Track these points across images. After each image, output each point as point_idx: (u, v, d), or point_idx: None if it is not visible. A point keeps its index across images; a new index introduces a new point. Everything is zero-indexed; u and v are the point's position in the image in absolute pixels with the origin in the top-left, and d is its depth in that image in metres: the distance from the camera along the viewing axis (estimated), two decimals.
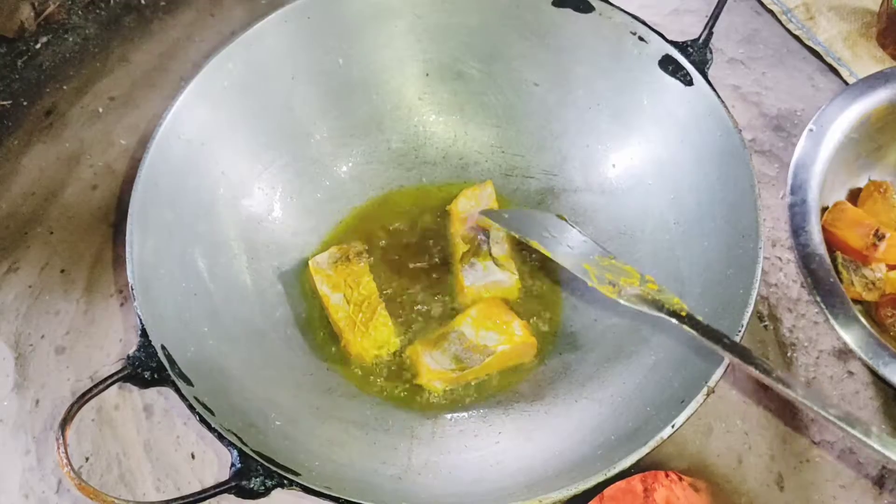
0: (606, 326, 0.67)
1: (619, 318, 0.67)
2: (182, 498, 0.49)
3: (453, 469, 0.60)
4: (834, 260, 0.68)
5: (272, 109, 0.71)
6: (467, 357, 0.64)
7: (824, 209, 0.70)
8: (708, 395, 0.53)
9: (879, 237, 0.67)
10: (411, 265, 0.71)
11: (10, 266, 0.76)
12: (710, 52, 0.66)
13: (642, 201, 0.69)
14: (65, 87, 0.87)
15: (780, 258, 0.72)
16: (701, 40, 0.66)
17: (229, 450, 0.51)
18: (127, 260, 0.58)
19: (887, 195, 0.71)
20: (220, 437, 0.51)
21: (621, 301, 0.59)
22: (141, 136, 0.83)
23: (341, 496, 0.50)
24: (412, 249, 0.71)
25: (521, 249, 0.71)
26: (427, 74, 0.76)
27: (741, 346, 0.53)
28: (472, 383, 0.65)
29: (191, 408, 0.53)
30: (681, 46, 0.66)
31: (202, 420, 0.52)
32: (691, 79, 0.65)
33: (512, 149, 0.76)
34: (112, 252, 0.76)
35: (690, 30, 0.67)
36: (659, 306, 0.57)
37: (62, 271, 0.75)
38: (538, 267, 0.71)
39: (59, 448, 0.49)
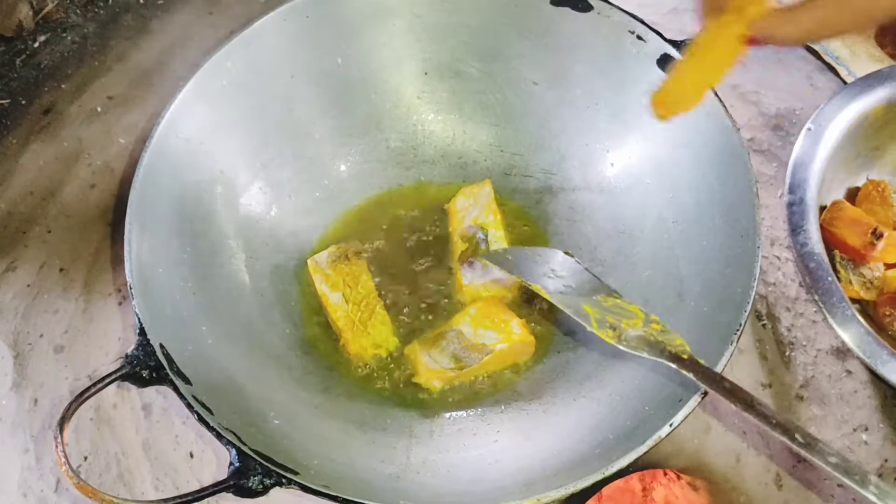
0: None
1: None
2: (180, 497, 0.49)
3: (452, 468, 0.60)
4: (832, 259, 0.68)
5: (271, 108, 0.71)
6: (466, 356, 0.64)
7: (822, 208, 0.70)
8: (706, 394, 0.53)
9: (878, 236, 0.67)
10: (410, 264, 0.70)
11: (9, 265, 0.76)
12: None
13: (641, 200, 0.69)
14: (63, 86, 0.87)
15: (778, 257, 0.73)
16: None
17: (228, 449, 0.51)
18: (125, 259, 0.58)
19: (885, 194, 0.71)
20: (219, 436, 0.51)
21: (621, 347, 0.57)
22: (139, 134, 0.83)
23: (340, 495, 0.50)
24: (411, 248, 0.71)
25: (522, 243, 0.71)
26: (426, 73, 0.76)
27: (742, 391, 0.52)
28: (471, 382, 0.65)
29: (189, 407, 0.53)
30: (679, 45, 0.66)
31: (200, 419, 0.52)
32: None
33: (511, 148, 0.76)
34: (110, 251, 0.76)
35: (688, 29, 0.67)
36: (661, 349, 0.56)
37: (61, 270, 0.75)
38: None
39: (57, 447, 0.49)
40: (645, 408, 0.57)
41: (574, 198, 0.73)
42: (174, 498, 0.49)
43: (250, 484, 0.50)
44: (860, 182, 0.74)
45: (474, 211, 0.70)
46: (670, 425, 0.52)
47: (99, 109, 0.85)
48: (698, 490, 0.62)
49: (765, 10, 0.48)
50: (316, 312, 0.69)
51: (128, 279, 0.57)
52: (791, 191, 0.68)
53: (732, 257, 0.59)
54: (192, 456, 0.66)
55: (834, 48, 0.83)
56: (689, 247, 0.64)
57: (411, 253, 0.71)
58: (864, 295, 0.68)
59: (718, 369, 0.53)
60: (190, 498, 0.49)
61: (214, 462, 0.65)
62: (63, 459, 0.49)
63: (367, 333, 0.66)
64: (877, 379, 0.65)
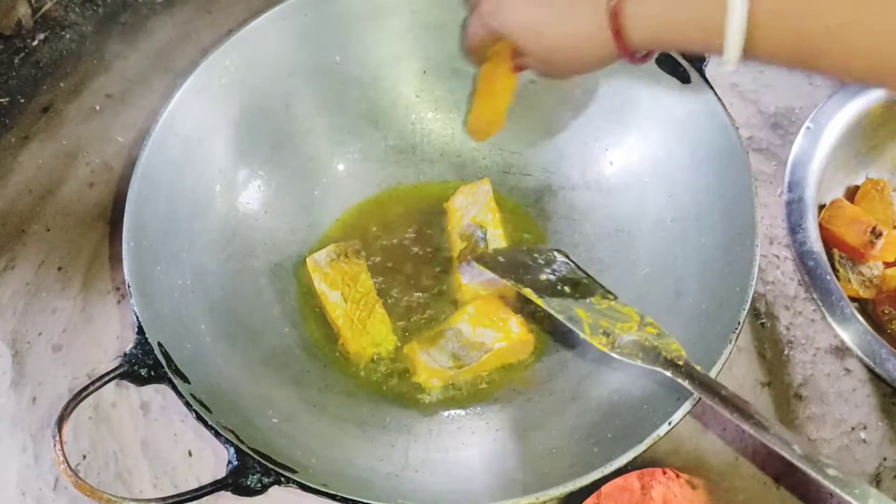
0: None
1: None
2: (179, 495, 0.49)
3: (450, 466, 0.60)
4: (831, 257, 0.68)
5: (269, 107, 0.71)
6: (464, 354, 0.64)
7: (821, 207, 0.70)
8: None
9: (876, 235, 0.67)
10: (408, 263, 0.70)
11: (7, 263, 0.76)
12: None
13: (639, 199, 0.69)
14: (62, 85, 0.87)
15: (777, 256, 0.73)
16: None
17: (226, 447, 0.51)
18: (123, 257, 0.58)
19: (884, 193, 0.71)
20: (217, 435, 0.51)
21: (614, 355, 0.56)
22: (138, 133, 0.83)
23: (338, 493, 0.50)
24: (409, 247, 0.71)
25: (521, 242, 0.71)
26: (424, 72, 0.75)
27: (739, 399, 0.50)
28: (470, 381, 0.65)
29: (188, 405, 0.53)
30: None
31: (199, 417, 0.52)
32: (689, 76, 0.65)
33: (509, 146, 0.76)
34: (109, 249, 0.76)
35: None
36: (655, 354, 0.54)
37: (59, 269, 0.75)
38: None
39: (55, 445, 0.49)
40: (643, 406, 0.57)
41: (573, 196, 0.73)
42: (173, 496, 0.49)
43: (249, 482, 0.50)
44: (859, 181, 0.74)
45: (473, 209, 0.70)
46: (669, 424, 0.52)
47: (97, 108, 0.85)
48: (697, 488, 0.62)
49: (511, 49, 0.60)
50: (315, 311, 0.69)
51: (126, 278, 0.57)
52: (790, 189, 0.68)
53: (731, 256, 0.59)
54: (190, 454, 0.66)
55: None
56: (688, 245, 0.64)
57: (410, 251, 0.71)
58: (862, 293, 0.68)
59: (717, 367, 0.53)
60: (188, 496, 0.49)
61: (213, 460, 0.65)
62: (61, 458, 0.49)
63: (366, 332, 0.66)
64: (875, 377, 0.65)
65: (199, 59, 0.67)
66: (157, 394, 0.68)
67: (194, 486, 0.50)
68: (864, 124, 0.71)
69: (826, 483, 0.46)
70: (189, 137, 0.66)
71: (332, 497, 0.50)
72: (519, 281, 0.62)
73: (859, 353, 0.62)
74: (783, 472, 0.63)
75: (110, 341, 0.71)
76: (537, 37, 0.56)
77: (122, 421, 0.67)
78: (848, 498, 0.46)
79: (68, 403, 0.51)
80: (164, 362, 0.54)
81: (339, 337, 0.66)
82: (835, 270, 0.67)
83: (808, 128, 0.70)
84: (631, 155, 0.70)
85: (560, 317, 0.59)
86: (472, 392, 0.65)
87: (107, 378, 0.53)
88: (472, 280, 0.68)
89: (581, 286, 0.62)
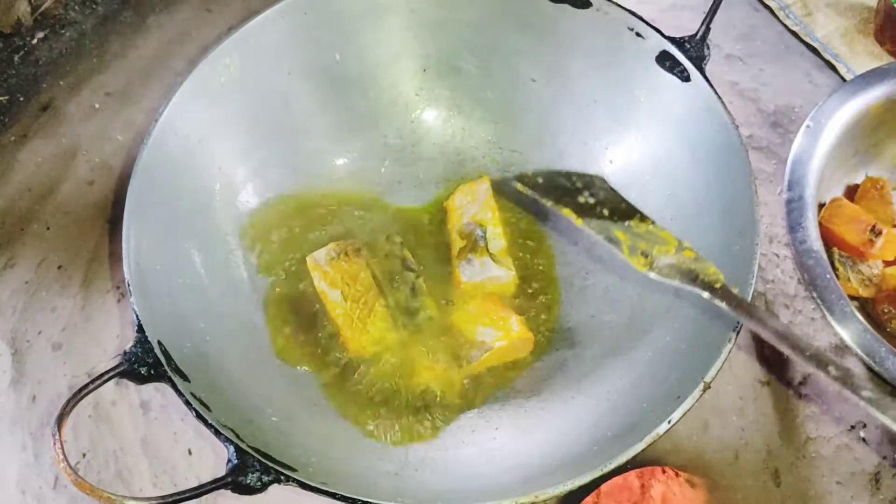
0: (603, 322, 0.67)
1: (616, 314, 0.67)
2: (178, 494, 0.49)
3: (450, 465, 0.60)
4: (831, 256, 0.68)
5: (269, 105, 0.71)
6: (465, 353, 0.64)
7: (821, 205, 0.70)
8: (704, 390, 0.53)
9: (876, 233, 0.67)
10: (408, 261, 0.70)
11: (7, 262, 0.76)
12: (708, 48, 0.66)
13: (639, 197, 0.68)
14: (61, 83, 0.87)
15: (777, 254, 0.73)
16: (698, 36, 0.66)
17: (226, 446, 0.51)
18: (123, 256, 0.58)
19: (884, 191, 0.71)
20: (217, 433, 0.51)
21: (651, 275, 0.56)
22: (138, 131, 0.83)
23: (338, 492, 0.50)
24: (409, 245, 0.71)
25: (521, 243, 0.71)
26: (424, 70, 0.75)
27: (776, 321, 0.50)
28: (469, 379, 0.65)
29: (187, 404, 0.53)
30: (678, 42, 0.66)
31: (199, 416, 0.52)
32: (688, 75, 0.65)
33: (509, 145, 0.76)
34: (109, 248, 0.76)
35: (688, 25, 0.67)
36: (693, 277, 0.55)
37: (59, 267, 0.75)
38: (535, 263, 0.71)
39: (55, 444, 0.49)
40: (643, 405, 0.57)
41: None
42: (172, 495, 0.48)
43: (248, 481, 0.50)
44: (859, 179, 0.74)
45: (472, 208, 0.70)
46: (668, 422, 0.52)
47: (97, 106, 0.85)
48: (696, 487, 0.62)
49: None
50: (314, 310, 0.68)
51: (126, 276, 0.57)
52: (790, 188, 0.68)
53: (731, 254, 0.59)
54: (190, 453, 0.66)
55: (833, 45, 0.83)
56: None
57: (410, 250, 0.71)
58: (862, 292, 0.68)
59: (717, 366, 0.53)
60: (188, 495, 0.49)
61: (213, 459, 0.65)
62: (61, 456, 0.49)
63: (366, 331, 0.66)
64: (875, 376, 0.65)
65: (198, 58, 0.66)
66: (156, 392, 0.68)
67: (194, 484, 0.50)
68: (863, 123, 0.71)
69: (863, 403, 0.47)
70: (189, 136, 0.66)
71: (332, 495, 0.50)
72: (558, 202, 0.62)
73: (859, 351, 0.61)
74: (783, 471, 0.63)
75: (110, 340, 0.71)
76: None
77: (121, 419, 0.67)
78: (884, 418, 0.46)
79: (68, 402, 0.51)
80: (163, 361, 0.54)
81: (340, 336, 0.66)
82: (834, 269, 0.67)
83: (807, 126, 0.69)
84: (631, 154, 0.70)
85: (599, 237, 0.59)
86: (471, 390, 0.65)
87: (106, 377, 0.53)
88: (471, 278, 0.68)
89: (619, 210, 0.62)
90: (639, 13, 0.67)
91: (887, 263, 0.69)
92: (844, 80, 0.81)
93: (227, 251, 0.67)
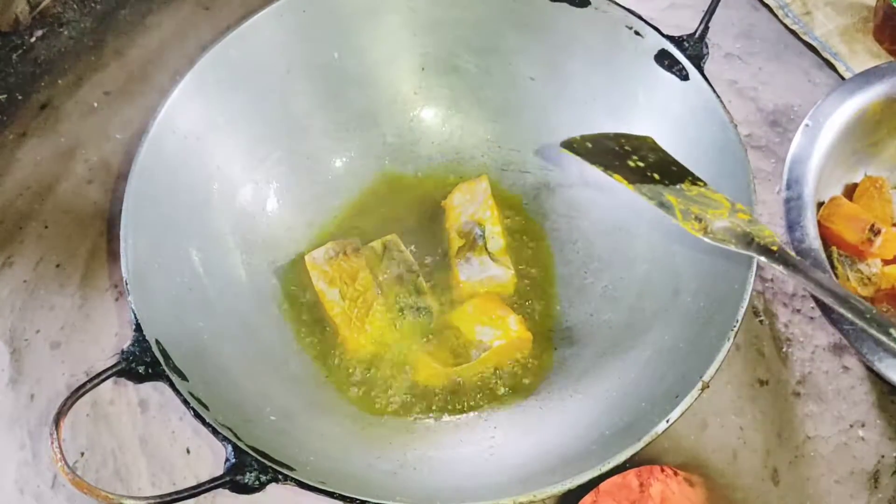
0: (602, 321, 0.67)
1: (615, 313, 0.67)
2: (177, 493, 0.49)
3: (448, 464, 0.60)
4: (829, 255, 0.68)
5: (267, 103, 0.71)
6: (463, 352, 0.64)
7: (820, 204, 0.70)
8: (703, 389, 0.53)
9: (875, 232, 0.67)
10: (407, 260, 0.70)
11: (5, 260, 0.75)
12: (706, 47, 0.66)
13: (638, 196, 0.69)
14: (60, 81, 0.87)
15: None
16: (697, 35, 0.66)
17: (224, 445, 0.51)
18: (121, 255, 0.58)
19: (883, 190, 0.71)
20: (215, 432, 0.51)
21: (706, 239, 0.55)
22: (136, 130, 0.83)
23: (336, 491, 0.50)
24: (408, 244, 0.71)
25: (520, 242, 0.71)
26: (423, 69, 0.75)
27: (836, 285, 0.50)
28: (468, 378, 0.65)
29: (185, 403, 0.52)
30: (677, 41, 0.66)
31: (197, 415, 0.52)
32: (687, 74, 0.65)
33: (508, 143, 0.76)
34: (107, 247, 0.76)
35: (687, 24, 0.67)
36: (748, 240, 0.54)
37: (57, 266, 0.75)
38: (535, 262, 0.71)
39: (52, 443, 0.49)
40: (642, 404, 0.57)
41: (571, 194, 0.73)
42: (170, 494, 0.48)
43: (246, 480, 0.50)
44: (858, 178, 0.74)
45: (471, 207, 0.70)
46: (667, 421, 0.52)
47: (95, 105, 0.85)
48: (695, 486, 0.62)
49: None
50: (313, 309, 0.68)
51: (124, 275, 0.57)
52: (788, 187, 0.68)
53: (730, 253, 0.59)
54: (188, 452, 0.66)
55: (832, 44, 0.83)
56: (686, 242, 0.64)
57: (408, 249, 0.71)
58: (861, 291, 0.68)
59: (715, 365, 0.53)
60: (186, 494, 0.49)
61: (211, 458, 0.65)
62: (59, 455, 0.49)
63: (365, 330, 0.66)
64: (874, 375, 0.65)
65: (196, 56, 0.66)
66: (154, 391, 0.68)
67: (192, 483, 0.50)
68: (862, 122, 0.71)
69: None
70: (187, 135, 0.66)
71: (330, 494, 0.50)
72: (608, 167, 0.61)
73: (858, 350, 0.61)
74: (781, 470, 0.63)
75: (108, 339, 0.71)
76: None
77: (120, 418, 0.67)
78: None
79: (66, 401, 0.51)
80: (161, 360, 0.54)
81: (338, 335, 0.66)
82: (833, 268, 0.67)
83: (806, 125, 0.69)
84: None
85: (651, 202, 0.58)
86: (470, 389, 0.65)
87: (104, 375, 0.53)
88: (470, 277, 0.68)
89: (670, 172, 0.61)
90: (637, 12, 0.67)
91: (886, 262, 0.69)
92: (843, 78, 0.81)
93: (225, 250, 0.67)
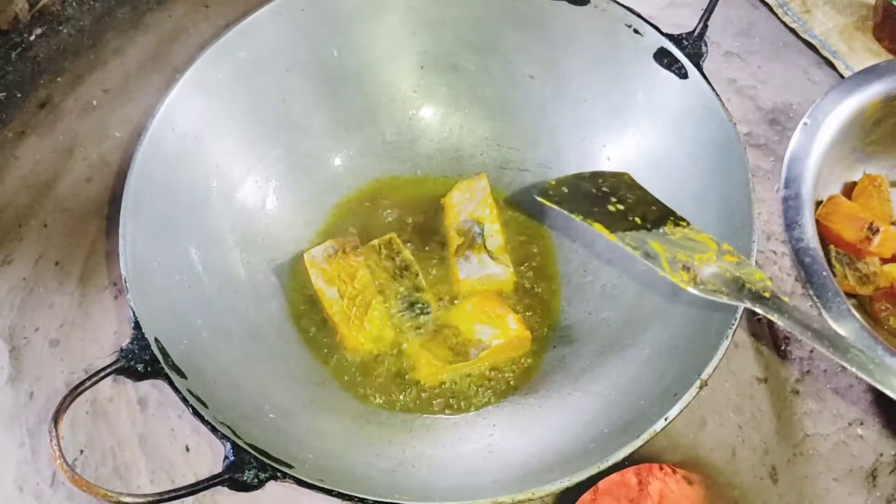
0: (601, 319, 0.67)
1: (613, 311, 0.67)
2: (176, 490, 0.49)
3: (447, 462, 0.60)
4: (828, 254, 0.68)
5: (266, 102, 0.71)
6: (462, 351, 0.64)
7: (819, 203, 0.70)
8: (701, 387, 0.53)
9: (874, 231, 0.67)
10: (406, 259, 0.70)
11: (4, 259, 0.75)
12: (706, 45, 0.66)
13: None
14: (59, 79, 0.87)
15: (774, 252, 0.73)
16: (696, 33, 0.66)
17: (223, 442, 0.51)
18: (120, 253, 0.58)
19: (882, 189, 0.71)
20: (214, 430, 0.51)
21: (696, 292, 0.54)
22: (135, 128, 0.83)
23: (335, 489, 0.50)
24: (406, 243, 0.71)
25: (519, 241, 0.71)
26: (422, 67, 0.75)
27: (833, 332, 0.48)
28: (467, 376, 0.65)
29: (184, 400, 0.52)
30: (676, 39, 0.66)
31: (195, 413, 0.52)
32: (686, 72, 0.65)
33: (507, 142, 0.76)
34: (106, 245, 0.76)
35: (686, 23, 0.67)
36: (739, 286, 0.52)
37: (56, 264, 0.75)
38: (534, 260, 0.71)
39: (51, 440, 0.49)
40: (640, 402, 0.57)
41: None
42: (170, 491, 0.48)
43: (245, 478, 0.50)
44: (857, 177, 0.74)
45: (470, 205, 0.70)
46: (665, 419, 0.52)
47: (95, 103, 0.85)
48: (694, 484, 0.62)
49: None
50: (312, 307, 0.69)
51: (122, 273, 0.57)
52: (787, 185, 0.68)
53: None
54: (187, 450, 0.66)
55: (832, 42, 0.83)
56: None
57: (408, 247, 0.71)
58: (859, 290, 0.68)
59: (714, 363, 0.53)
60: (185, 492, 0.49)
61: (210, 456, 0.65)
62: (58, 453, 0.49)
63: (364, 328, 0.66)
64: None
65: (196, 55, 0.66)
66: (154, 389, 0.68)
67: (191, 481, 0.50)
68: (861, 120, 0.71)
69: None
70: (186, 133, 0.66)
71: (329, 492, 0.50)
72: (588, 215, 0.59)
73: None
74: (780, 468, 0.63)
75: (107, 337, 0.71)
76: None
77: (119, 416, 0.67)
78: None
79: (64, 399, 0.51)
80: (160, 358, 0.54)
81: (337, 333, 0.66)
82: (831, 267, 0.67)
83: (805, 123, 0.69)
84: (628, 151, 0.70)
85: (636, 253, 0.56)
86: (469, 387, 0.65)
87: (103, 373, 0.53)
88: (469, 276, 0.68)
89: (652, 214, 0.59)
90: (636, 10, 0.67)
91: (884, 261, 0.69)
92: (843, 77, 0.81)
93: (224, 248, 0.67)
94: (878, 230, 0.67)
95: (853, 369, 0.48)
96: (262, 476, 0.50)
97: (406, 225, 0.73)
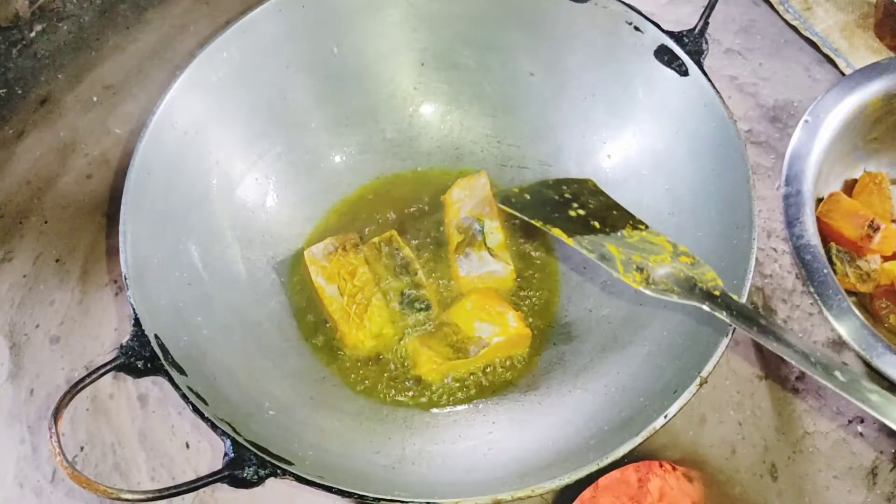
0: (601, 317, 0.67)
1: (613, 308, 0.67)
2: (176, 487, 0.49)
3: (447, 458, 0.60)
4: (828, 251, 0.68)
5: (266, 99, 0.71)
6: (462, 348, 0.64)
7: (819, 200, 0.70)
8: (701, 385, 0.53)
9: (874, 228, 0.67)
10: (406, 256, 0.70)
11: (5, 255, 0.75)
12: (706, 43, 0.65)
13: (637, 192, 0.69)
14: (59, 76, 0.87)
15: (775, 249, 0.73)
16: (697, 30, 0.66)
17: (223, 439, 0.51)
18: (120, 250, 0.58)
19: (882, 186, 0.71)
20: (214, 427, 0.51)
21: (647, 292, 0.55)
22: (136, 125, 0.83)
23: (334, 486, 0.50)
24: (407, 240, 0.71)
25: (519, 238, 0.71)
26: (422, 64, 0.75)
27: (779, 327, 0.49)
28: (467, 374, 0.65)
29: (184, 397, 0.53)
30: (676, 37, 0.66)
31: (195, 409, 0.52)
32: (687, 69, 0.65)
33: (507, 139, 0.76)
34: (106, 242, 0.76)
35: (687, 20, 0.67)
36: (691, 287, 0.53)
37: (57, 261, 0.75)
38: (533, 257, 0.71)
39: (51, 437, 0.49)
40: (640, 399, 0.57)
41: None
42: (169, 488, 0.49)
43: (245, 474, 0.50)
44: (857, 174, 0.74)
45: (470, 202, 0.70)
46: (665, 416, 0.52)
47: (95, 99, 0.85)
48: (693, 481, 0.62)
49: None
50: (312, 304, 0.69)
51: (123, 270, 0.57)
52: (788, 183, 0.68)
53: (728, 249, 0.59)
54: (188, 446, 0.66)
55: (833, 40, 0.83)
56: (685, 238, 0.64)
57: (408, 245, 0.71)
58: (860, 287, 0.68)
59: (714, 360, 0.53)
60: (185, 488, 0.49)
61: (210, 452, 0.65)
62: (58, 450, 0.49)
63: (364, 326, 0.66)
64: (872, 372, 0.65)
65: (196, 51, 0.66)
66: (154, 386, 0.68)
67: (191, 477, 0.50)
68: (862, 118, 0.71)
69: (871, 412, 0.46)
70: (186, 130, 0.66)
71: (329, 489, 0.50)
72: (547, 221, 0.61)
73: (856, 346, 0.61)
74: (780, 465, 0.63)
75: (107, 333, 0.71)
76: None
77: (119, 413, 0.67)
78: (892, 424, 0.45)
79: (64, 395, 0.51)
80: (160, 354, 0.54)
81: (337, 331, 0.66)
82: (832, 264, 0.67)
83: (806, 121, 0.69)
84: (629, 148, 0.70)
85: (591, 256, 0.58)
86: (470, 385, 0.65)
87: (103, 370, 0.53)
88: (469, 273, 0.68)
89: (611, 218, 0.60)
90: (637, 7, 0.67)
91: (885, 258, 0.69)
92: (844, 74, 0.81)
93: (224, 245, 0.67)
94: (878, 228, 0.67)
95: (793, 361, 0.49)
96: (262, 473, 0.50)
97: (406, 222, 0.73)
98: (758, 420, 0.65)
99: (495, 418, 0.63)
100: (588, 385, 0.62)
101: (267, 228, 0.70)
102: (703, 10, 0.66)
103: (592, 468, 0.51)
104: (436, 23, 0.73)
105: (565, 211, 0.61)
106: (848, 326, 0.62)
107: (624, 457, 0.51)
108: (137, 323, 0.55)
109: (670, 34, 0.66)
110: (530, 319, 0.68)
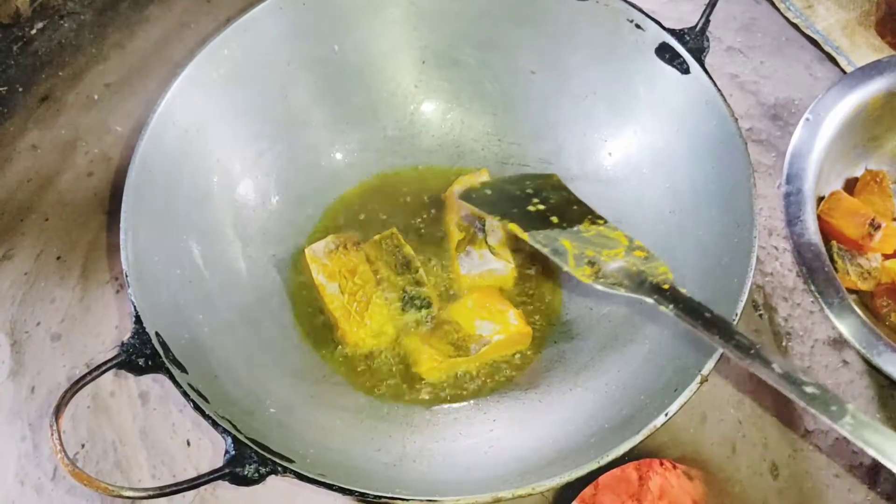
0: (602, 315, 0.67)
1: (614, 306, 0.67)
2: (177, 484, 0.49)
3: (448, 456, 0.60)
4: (829, 249, 0.68)
5: (267, 96, 0.71)
6: (463, 346, 0.64)
7: (820, 198, 0.70)
8: (701, 383, 0.53)
9: (875, 227, 0.67)
10: (407, 254, 0.70)
11: (6, 253, 0.76)
12: (707, 41, 0.65)
13: (638, 190, 0.69)
14: (60, 74, 0.87)
15: (776, 247, 0.73)
16: (698, 28, 0.66)
17: (224, 437, 0.51)
18: (121, 247, 0.58)
19: (883, 184, 0.71)
20: (215, 425, 0.51)
21: (596, 286, 0.54)
22: (136, 122, 0.83)
23: (335, 483, 0.50)
24: (408, 238, 0.71)
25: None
26: (423, 62, 0.75)
27: (723, 321, 0.48)
28: (468, 372, 0.65)
29: (185, 395, 0.53)
30: (678, 34, 0.65)
31: (196, 407, 0.52)
32: (688, 67, 0.65)
33: (508, 137, 0.76)
34: (107, 239, 0.76)
35: (688, 18, 0.67)
36: (640, 281, 0.52)
37: (58, 258, 0.75)
38: (534, 255, 0.71)
39: (52, 434, 0.49)
40: (641, 397, 0.57)
41: (572, 187, 0.73)
42: (170, 486, 0.49)
43: (246, 472, 0.50)
44: (858, 172, 0.74)
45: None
46: (666, 415, 0.52)
47: (96, 97, 0.85)
48: (694, 479, 0.62)
49: None
50: (313, 302, 0.69)
51: (123, 267, 0.57)
52: (788, 181, 0.68)
53: (729, 247, 0.59)
54: (188, 444, 0.66)
55: (834, 38, 0.83)
56: (686, 237, 0.64)
57: (409, 243, 0.71)
58: (861, 285, 0.68)
59: (714, 359, 0.53)
60: (186, 486, 0.49)
61: (211, 450, 0.66)
62: (58, 447, 0.49)
63: (364, 324, 0.66)
64: (873, 370, 0.65)
65: (197, 49, 0.66)
66: (155, 383, 0.68)
67: (192, 475, 0.50)
68: (863, 116, 0.71)
69: (803, 403, 0.44)
70: (187, 127, 0.66)
71: (329, 487, 0.50)
72: (505, 216, 0.60)
73: (857, 345, 0.61)
74: (780, 464, 0.63)
75: (108, 331, 0.71)
76: None
77: (120, 410, 0.67)
78: (825, 418, 0.43)
79: (65, 393, 0.51)
80: (161, 352, 0.54)
81: (338, 329, 0.66)
82: (833, 262, 0.67)
83: (807, 119, 0.69)
84: (630, 146, 0.70)
85: (544, 251, 0.57)
86: (470, 383, 0.65)
87: (104, 368, 0.53)
88: (470, 271, 0.68)
89: (570, 213, 0.60)
90: (638, 5, 0.67)
91: (886, 256, 0.69)
92: (845, 72, 0.81)
93: (225, 243, 0.67)
94: (879, 226, 0.67)
95: (733, 356, 0.47)
96: (263, 470, 0.50)
97: (407, 220, 0.73)
98: (758, 418, 0.65)
99: (496, 416, 0.63)
100: (589, 383, 0.62)
101: (268, 226, 0.70)
102: (704, 7, 0.66)
103: (593, 466, 0.51)
104: (436, 21, 0.73)
105: (524, 206, 0.61)
106: (849, 324, 0.62)
107: (624, 455, 0.51)
108: (138, 320, 0.55)
109: (671, 32, 0.66)
110: (531, 318, 0.68)
